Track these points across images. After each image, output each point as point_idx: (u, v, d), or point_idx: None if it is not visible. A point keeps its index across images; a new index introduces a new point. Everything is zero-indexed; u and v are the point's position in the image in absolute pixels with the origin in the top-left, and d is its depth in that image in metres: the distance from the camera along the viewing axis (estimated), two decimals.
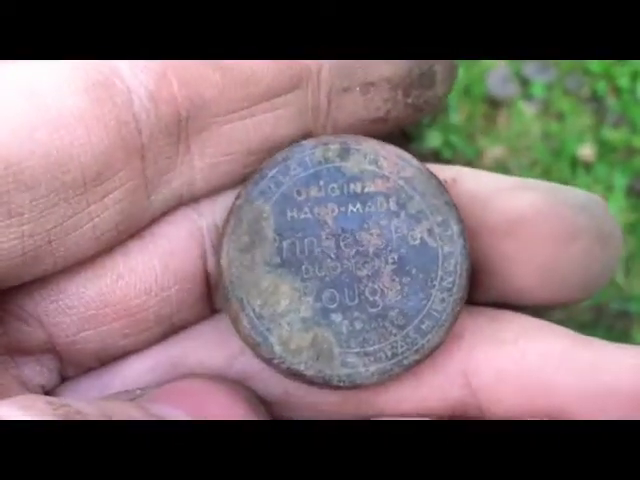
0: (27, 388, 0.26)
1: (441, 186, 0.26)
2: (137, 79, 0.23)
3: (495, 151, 1.10)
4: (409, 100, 0.26)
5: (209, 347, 0.27)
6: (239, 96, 0.25)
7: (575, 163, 1.09)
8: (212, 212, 0.27)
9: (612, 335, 1.02)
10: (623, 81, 1.10)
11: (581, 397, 0.24)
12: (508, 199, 0.26)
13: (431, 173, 0.26)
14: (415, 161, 0.26)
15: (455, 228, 0.25)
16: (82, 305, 0.25)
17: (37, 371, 0.26)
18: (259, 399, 0.26)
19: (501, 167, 1.09)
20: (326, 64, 0.25)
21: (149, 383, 0.27)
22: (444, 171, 0.27)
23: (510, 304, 0.27)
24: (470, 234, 0.26)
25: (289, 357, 0.24)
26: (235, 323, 0.25)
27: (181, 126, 0.24)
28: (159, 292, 0.26)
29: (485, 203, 0.26)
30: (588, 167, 1.09)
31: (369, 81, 0.26)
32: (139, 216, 0.25)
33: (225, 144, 0.25)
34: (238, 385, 0.26)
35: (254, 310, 0.25)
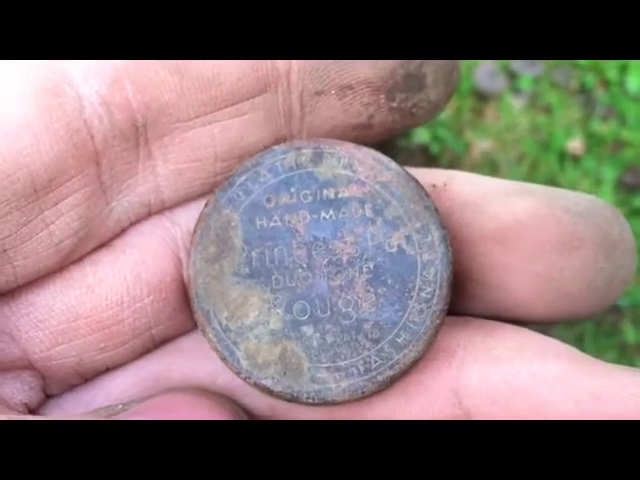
0: (9, 406, 0.25)
1: (421, 190, 0.24)
2: (88, 85, 0.23)
3: (483, 145, 1.10)
4: (394, 104, 0.25)
5: (193, 361, 0.26)
6: (200, 100, 0.24)
7: (563, 156, 1.08)
8: (187, 220, 0.26)
9: (601, 329, 1.02)
10: (611, 74, 1.10)
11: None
12: (502, 204, 0.24)
13: (410, 176, 0.24)
14: (393, 164, 0.24)
15: (436, 234, 0.24)
16: (53, 318, 0.25)
17: (18, 389, 0.25)
18: (246, 413, 0.25)
19: (489, 161, 1.08)
20: (295, 66, 0.24)
21: (133, 398, 0.26)
22: (435, 175, 0.26)
23: (508, 319, 0.25)
24: (462, 242, 0.24)
25: (255, 372, 0.23)
26: (203, 336, 0.24)
27: (139, 131, 0.24)
28: (132, 303, 0.25)
29: (477, 208, 0.24)
30: (576, 160, 1.08)
31: (345, 84, 0.24)
32: (100, 222, 0.25)
33: (189, 150, 0.25)
34: (222, 398, 0.25)
35: (220, 323, 0.24)
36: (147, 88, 0.23)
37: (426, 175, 0.25)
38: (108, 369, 0.26)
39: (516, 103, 1.10)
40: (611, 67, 1.09)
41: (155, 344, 0.26)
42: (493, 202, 0.24)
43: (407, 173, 0.24)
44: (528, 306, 0.24)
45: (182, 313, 0.26)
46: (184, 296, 0.26)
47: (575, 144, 1.08)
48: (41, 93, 0.22)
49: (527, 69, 1.11)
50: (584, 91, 1.11)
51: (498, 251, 0.24)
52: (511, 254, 0.24)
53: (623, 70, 1.10)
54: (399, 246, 0.24)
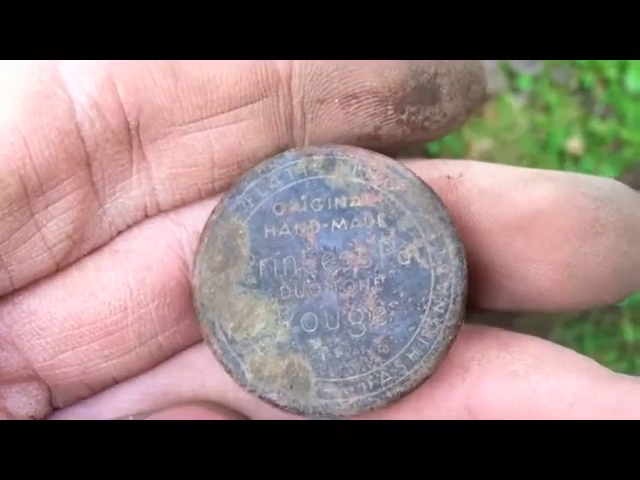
0: (15, 419, 0.25)
1: (436, 200, 0.24)
2: (80, 86, 0.22)
3: (482, 144, 1.09)
4: (403, 117, 0.24)
5: (202, 376, 0.26)
6: (195, 104, 0.23)
7: (563, 155, 1.08)
8: (193, 221, 0.25)
9: (601, 328, 1.02)
10: (611, 72, 1.09)
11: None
12: (522, 192, 0.24)
13: (426, 186, 0.24)
14: (409, 173, 0.24)
15: (451, 247, 0.23)
16: (55, 326, 0.24)
17: (23, 402, 0.25)
18: None
19: (488, 160, 1.08)
20: (296, 70, 0.23)
21: (141, 412, 0.26)
22: (449, 166, 0.25)
23: (531, 310, 0.24)
24: (483, 232, 0.24)
25: (261, 385, 0.23)
26: (208, 347, 0.24)
27: (131, 134, 0.23)
28: (136, 309, 0.25)
29: (496, 197, 0.24)
30: (576, 159, 1.08)
31: (350, 93, 0.24)
32: (94, 224, 0.24)
33: (184, 155, 0.24)
34: (233, 413, 0.25)
35: (226, 334, 0.23)
36: (140, 90, 0.23)
37: (441, 166, 0.25)
38: (115, 380, 0.26)
39: (515, 102, 1.10)
40: (610, 66, 1.09)
41: (164, 353, 0.26)
42: (511, 191, 0.24)
43: (422, 182, 0.24)
44: (551, 295, 0.24)
45: (188, 318, 0.26)
46: (190, 300, 0.25)
47: (574, 143, 1.08)
48: (30, 95, 0.22)
49: (526, 68, 1.10)
50: (583, 90, 1.10)
51: (520, 241, 0.23)
52: (533, 243, 0.23)
53: (622, 69, 1.09)
54: (412, 259, 0.23)
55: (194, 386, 0.26)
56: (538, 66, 1.11)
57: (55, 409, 0.26)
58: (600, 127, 1.08)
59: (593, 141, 1.08)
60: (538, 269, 0.23)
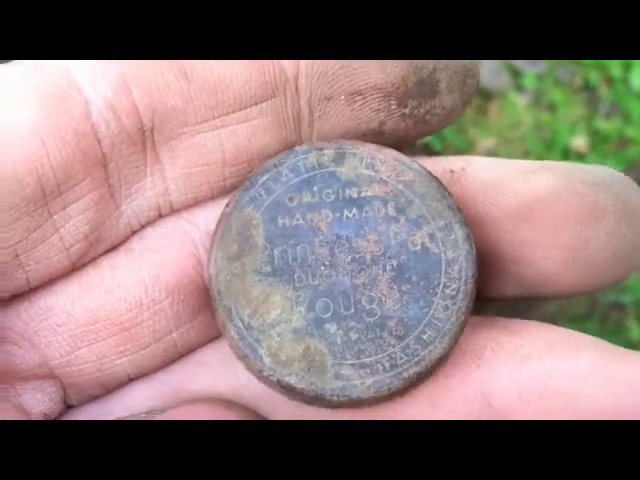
0: (29, 416, 0.25)
1: (443, 189, 0.24)
2: (95, 89, 0.23)
3: (487, 143, 1.09)
4: (406, 111, 0.25)
5: (214, 374, 0.26)
6: (207, 104, 0.24)
7: (568, 154, 1.08)
8: (205, 221, 0.26)
9: (605, 326, 1.02)
10: (615, 71, 1.09)
11: (617, 418, 0.22)
12: (522, 182, 0.25)
13: (432, 176, 0.25)
14: (415, 164, 0.25)
15: (459, 232, 0.24)
16: (72, 322, 0.25)
17: (38, 399, 0.25)
18: None
19: None
20: (303, 70, 0.24)
21: (153, 409, 0.26)
22: (452, 161, 0.26)
23: (538, 296, 0.25)
24: (488, 222, 0.25)
25: (279, 369, 0.23)
26: (224, 334, 0.24)
27: (146, 135, 0.24)
28: (151, 305, 0.25)
29: (498, 189, 0.25)
30: (581, 158, 1.08)
31: (355, 89, 0.24)
32: (110, 226, 0.25)
33: (197, 154, 0.25)
34: (248, 411, 0.25)
35: (243, 320, 0.24)
36: (153, 92, 0.23)
37: (443, 161, 0.26)
38: (130, 378, 0.26)
39: (520, 101, 1.10)
40: (615, 64, 1.09)
41: (178, 351, 0.26)
42: (513, 181, 0.25)
43: (429, 173, 0.25)
44: (558, 279, 0.24)
45: (202, 315, 0.26)
46: (203, 298, 0.26)
47: (579, 141, 1.08)
48: (47, 98, 0.22)
49: (531, 67, 1.11)
50: (588, 88, 1.10)
51: (525, 228, 0.24)
52: (537, 230, 0.24)
53: (627, 67, 1.09)
54: (423, 244, 0.24)
55: (206, 384, 0.26)
56: (542, 65, 1.11)
57: (69, 407, 0.26)
58: (605, 125, 1.08)
59: (598, 139, 1.08)
60: (544, 253, 0.24)
